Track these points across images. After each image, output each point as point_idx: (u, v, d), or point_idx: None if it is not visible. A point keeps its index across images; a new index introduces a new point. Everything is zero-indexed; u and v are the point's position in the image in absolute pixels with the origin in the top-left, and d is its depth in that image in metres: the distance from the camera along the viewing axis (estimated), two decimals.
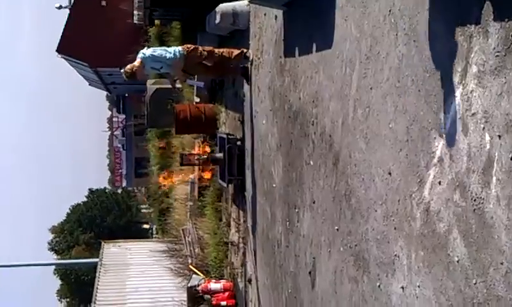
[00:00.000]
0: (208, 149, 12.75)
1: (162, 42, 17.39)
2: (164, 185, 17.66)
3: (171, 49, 9.07)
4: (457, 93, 3.60)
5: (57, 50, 38.88)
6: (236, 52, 9.35)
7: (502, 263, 3.18)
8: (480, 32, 3.36)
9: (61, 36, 37.99)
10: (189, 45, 9.22)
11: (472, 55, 3.44)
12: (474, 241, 3.43)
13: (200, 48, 9.24)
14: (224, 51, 9.37)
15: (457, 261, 3.60)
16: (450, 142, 3.69)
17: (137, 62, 8.77)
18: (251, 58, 9.25)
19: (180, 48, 9.10)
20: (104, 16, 35.32)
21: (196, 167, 14.01)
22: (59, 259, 46.79)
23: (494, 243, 3.24)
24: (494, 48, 3.24)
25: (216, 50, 9.36)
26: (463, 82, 3.54)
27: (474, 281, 3.43)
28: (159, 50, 8.97)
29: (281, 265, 8.10)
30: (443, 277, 3.78)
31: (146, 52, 8.85)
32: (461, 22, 3.53)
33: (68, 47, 37.15)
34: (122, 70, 8.89)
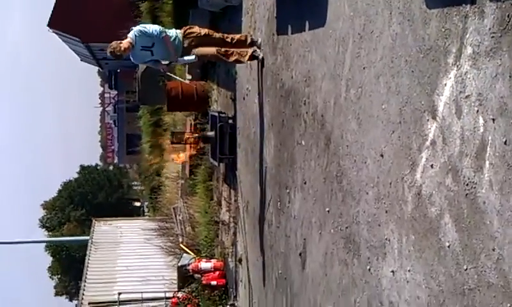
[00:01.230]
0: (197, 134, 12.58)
1: (154, 17, 17.18)
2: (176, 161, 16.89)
3: (169, 31, 8.47)
4: (451, 75, 3.52)
5: (48, 25, 38.53)
6: (237, 37, 8.66)
7: (493, 250, 3.12)
8: (476, 12, 3.27)
9: (53, 11, 37.64)
10: (185, 27, 8.65)
11: (467, 36, 3.35)
12: (466, 226, 3.37)
13: (197, 28, 8.63)
14: (225, 35, 8.67)
15: (449, 247, 3.55)
16: (443, 124, 3.61)
17: (126, 42, 8.24)
18: (260, 57, 8.39)
19: (178, 30, 8.51)
20: None
21: (188, 146, 13.91)
22: (50, 236, 46.69)
23: (486, 229, 3.18)
24: (489, 28, 3.15)
25: (215, 34, 8.65)
26: (457, 63, 3.45)
27: (465, 267, 3.37)
28: (151, 27, 8.45)
29: (271, 245, 8.05)
30: (434, 262, 3.73)
31: (136, 28, 8.39)
32: (457, 2, 3.44)
33: (60, 21, 36.82)
34: (109, 49, 8.31)
